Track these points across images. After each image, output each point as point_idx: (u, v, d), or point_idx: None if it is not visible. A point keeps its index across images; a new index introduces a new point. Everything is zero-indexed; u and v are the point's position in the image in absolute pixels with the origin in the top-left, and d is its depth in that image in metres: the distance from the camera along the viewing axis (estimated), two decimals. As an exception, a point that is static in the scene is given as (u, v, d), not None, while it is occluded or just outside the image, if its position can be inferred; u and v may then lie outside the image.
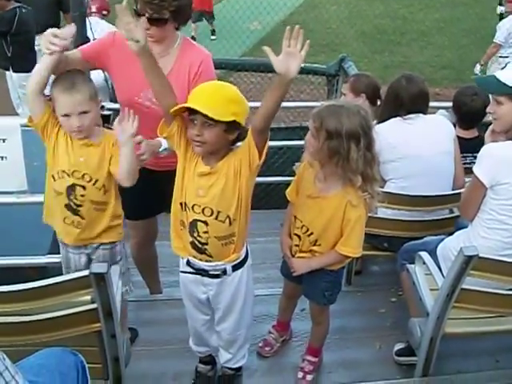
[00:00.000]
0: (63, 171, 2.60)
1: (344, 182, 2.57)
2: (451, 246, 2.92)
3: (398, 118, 3.49)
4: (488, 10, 10.57)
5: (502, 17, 8.64)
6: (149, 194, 3.10)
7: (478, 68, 8.29)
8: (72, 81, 2.52)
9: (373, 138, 2.54)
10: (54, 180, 2.63)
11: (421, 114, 3.49)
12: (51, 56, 2.45)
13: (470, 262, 2.51)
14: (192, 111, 2.31)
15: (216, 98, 2.33)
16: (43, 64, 2.48)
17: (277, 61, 2.17)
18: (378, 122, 3.57)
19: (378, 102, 3.94)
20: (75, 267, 2.78)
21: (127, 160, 2.55)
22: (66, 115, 2.53)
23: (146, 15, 2.73)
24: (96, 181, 2.63)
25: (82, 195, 2.63)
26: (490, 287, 2.69)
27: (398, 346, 3.22)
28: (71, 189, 2.62)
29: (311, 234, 2.69)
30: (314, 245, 2.71)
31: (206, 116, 2.27)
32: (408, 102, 3.47)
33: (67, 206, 2.65)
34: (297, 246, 2.78)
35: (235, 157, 2.41)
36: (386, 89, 3.68)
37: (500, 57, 7.86)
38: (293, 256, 2.81)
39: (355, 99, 3.90)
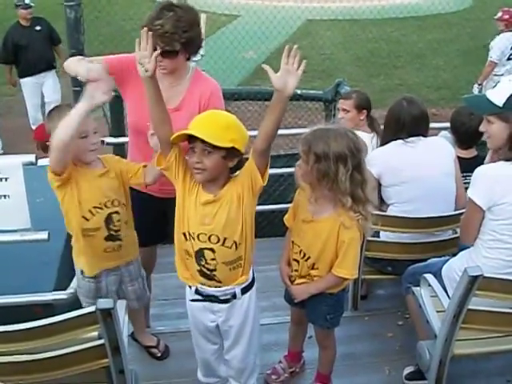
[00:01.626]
0: (95, 207, 2.72)
1: (335, 204, 2.62)
2: (455, 267, 2.92)
3: (400, 141, 3.50)
4: (480, 30, 10.69)
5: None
6: (152, 220, 3.15)
7: (476, 88, 8.35)
8: (67, 108, 2.62)
9: (362, 159, 2.60)
10: (88, 220, 2.72)
11: (421, 137, 3.51)
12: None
13: (475, 282, 2.51)
14: (192, 139, 2.36)
15: (214, 124, 2.38)
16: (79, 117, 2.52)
17: (275, 78, 2.25)
18: (380, 145, 3.61)
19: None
20: (106, 291, 2.90)
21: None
22: (84, 137, 2.63)
23: (158, 48, 2.79)
24: (120, 202, 2.81)
25: (119, 220, 2.80)
26: (496, 306, 2.69)
27: (408, 370, 3.20)
28: (109, 219, 2.77)
29: (308, 258, 2.73)
30: (312, 268, 2.74)
31: (204, 143, 2.32)
32: (410, 124, 3.49)
33: (107, 238, 2.79)
34: (296, 271, 2.81)
35: (237, 182, 2.45)
36: (386, 112, 3.69)
37: (495, 75, 7.91)
38: (293, 281, 2.83)
39: (359, 115, 3.99)
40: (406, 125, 3.49)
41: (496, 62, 7.93)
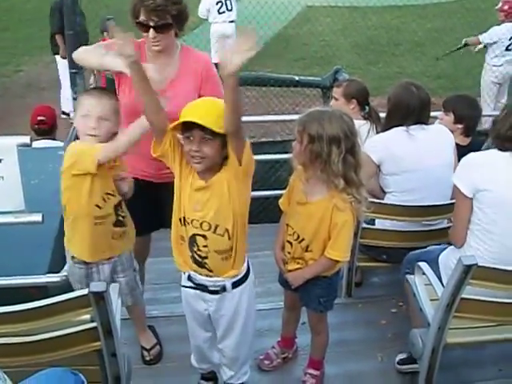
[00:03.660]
0: (107, 193, 2.73)
1: (328, 186, 2.63)
2: (451, 256, 2.92)
3: (402, 128, 3.45)
4: (480, 19, 10.61)
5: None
6: (146, 208, 3.11)
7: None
8: (100, 91, 2.71)
9: (357, 142, 2.61)
10: (100, 208, 2.72)
11: (424, 125, 3.48)
12: None
13: (469, 272, 2.50)
14: (187, 127, 2.32)
15: (212, 111, 2.33)
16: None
17: (221, 54, 2.16)
18: (382, 131, 3.58)
19: (367, 108, 4.01)
20: (98, 280, 2.85)
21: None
22: (85, 115, 2.63)
23: (151, 24, 2.80)
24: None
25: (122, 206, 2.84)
26: (490, 296, 2.69)
27: (400, 357, 3.21)
28: (118, 205, 2.80)
29: (302, 240, 2.73)
30: (306, 251, 2.75)
31: (203, 130, 2.28)
32: (418, 109, 3.44)
33: (116, 223, 2.81)
34: (289, 253, 2.82)
35: (227, 169, 2.42)
36: (390, 98, 3.61)
37: (494, 66, 7.89)
38: (286, 263, 2.84)
39: (348, 104, 3.94)
40: (415, 111, 3.44)
41: (482, 42, 7.92)
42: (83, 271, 2.86)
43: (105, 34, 7.45)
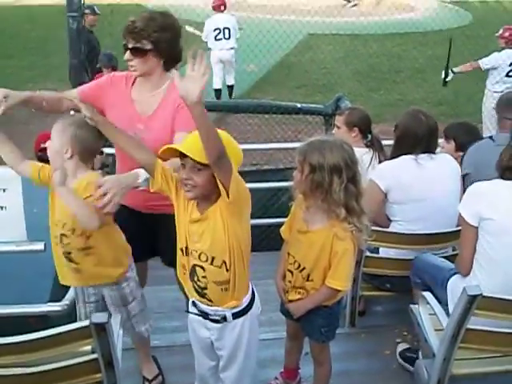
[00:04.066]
0: (53, 222, 2.69)
1: (329, 215, 2.61)
2: (459, 283, 2.88)
3: (410, 157, 3.43)
4: (480, 46, 10.70)
5: (445, 83, 8.67)
6: (138, 236, 3.00)
7: (450, 75, 8.37)
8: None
9: (358, 171, 2.60)
10: (52, 228, 2.70)
11: (432, 155, 3.46)
12: None
13: (474, 302, 2.49)
14: (182, 155, 2.31)
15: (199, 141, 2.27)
16: None
17: (179, 84, 2.13)
18: (390, 158, 3.56)
19: (369, 136, 4.00)
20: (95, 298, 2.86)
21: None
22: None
23: (129, 45, 2.84)
24: (71, 228, 2.63)
25: (68, 243, 2.67)
26: (495, 326, 2.66)
27: (405, 388, 3.17)
28: (60, 239, 2.67)
29: (303, 269, 2.72)
30: (307, 280, 2.73)
31: (194, 160, 2.27)
32: (428, 138, 3.42)
33: (64, 254, 2.70)
34: (290, 282, 2.79)
35: (220, 201, 2.37)
36: (398, 125, 3.59)
37: (495, 92, 7.92)
38: (287, 292, 2.82)
39: (350, 133, 3.94)
40: (424, 139, 3.42)
41: (481, 67, 7.97)
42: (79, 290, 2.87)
43: (104, 70, 7.37)
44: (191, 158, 2.27)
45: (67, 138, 2.61)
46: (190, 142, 2.30)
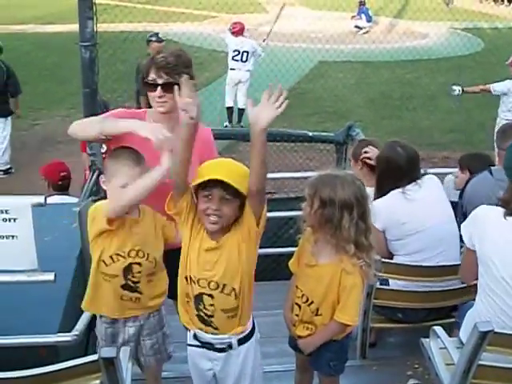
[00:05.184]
0: (117, 254, 2.67)
1: (337, 250, 2.61)
2: (474, 316, 2.85)
3: (398, 191, 3.46)
4: (491, 73, 10.73)
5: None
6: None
7: (456, 91, 8.34)
8: (135, 156, 2.64)
9: (368, 207, 2.59)
10: (106, 265, 2.69)
11: (418, 181, 3.48)
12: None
13: (485, 338, 2.46)
14: (207, 186, 2.32)
15: (236, 171, 2.36)
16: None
17: (251, 110, 2.21)
18: (377, 197, 3.55)
19: None
20: (123, 340, 2.84)
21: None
22: (124, 186, 2.60)
23: (160, 81, 2.83)
24: (145, 253, 2.71)
25: (139, 272, 2.72)
26: (508, 362, 2.62)
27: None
28: (129, 269, 2.69)
29: (312, 303, 2.70)
30: (316, 315, 2.70)
31: (225, 190, 2.29)
32: (410, 169, 3.46)
33: (124, 286, 2.72)
34: (297, 315, 2.78)
35: (238, 230, 2.42)
36: (378, 159, 3.64)
37: (507, 120, 7.87)
38: (294, 325, 2.80)
39: (356, 165, 3.94)
40: (407, 171, 3.46)
41: (493, 92, 7.96)
42: (109, 330, 2.84)
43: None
44: (222, 189, 2.29)
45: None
46: (226, 172, 2.33)
